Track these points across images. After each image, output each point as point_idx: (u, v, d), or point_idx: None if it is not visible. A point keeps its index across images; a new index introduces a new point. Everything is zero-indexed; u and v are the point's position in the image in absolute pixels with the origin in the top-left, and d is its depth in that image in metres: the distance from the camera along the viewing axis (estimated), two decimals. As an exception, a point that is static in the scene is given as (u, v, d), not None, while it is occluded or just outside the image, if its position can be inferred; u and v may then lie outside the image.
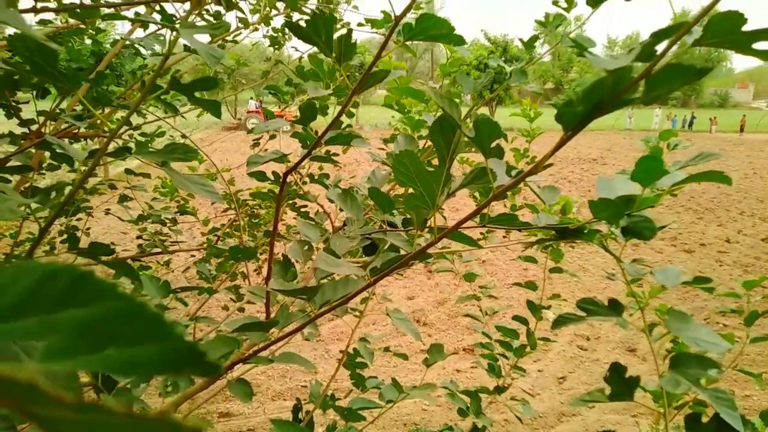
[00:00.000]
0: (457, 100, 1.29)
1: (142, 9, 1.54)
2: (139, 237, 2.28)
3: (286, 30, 2.35)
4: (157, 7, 1.46)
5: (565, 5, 1.08)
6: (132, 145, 1.89)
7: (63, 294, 0.15)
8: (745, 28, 0.47)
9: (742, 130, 28.46)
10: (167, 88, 0.61)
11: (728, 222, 9.61)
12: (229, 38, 2.21)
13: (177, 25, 0.55)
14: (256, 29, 2.24)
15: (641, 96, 0.49)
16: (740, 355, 1.55)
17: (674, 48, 0.51)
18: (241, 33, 2.13)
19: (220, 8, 1.82)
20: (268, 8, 2.03)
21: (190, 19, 1.47)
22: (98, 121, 1.46)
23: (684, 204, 10.63)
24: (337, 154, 1.89)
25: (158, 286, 1.30)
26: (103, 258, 0.71)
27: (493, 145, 0.62)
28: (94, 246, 0.67)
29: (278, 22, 2.73)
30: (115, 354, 0.15)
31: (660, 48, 0.48)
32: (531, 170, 0.56)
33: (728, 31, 0.47)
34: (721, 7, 0.48)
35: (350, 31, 0.76)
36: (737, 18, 0.46)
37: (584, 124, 0.51)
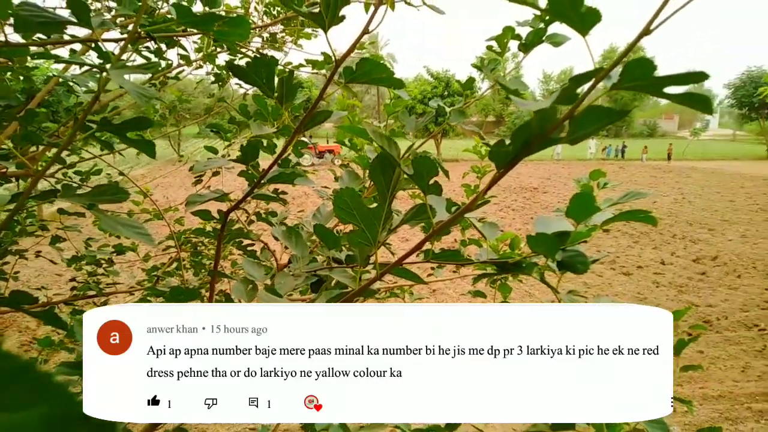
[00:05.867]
0: (407, 134, 1.32)
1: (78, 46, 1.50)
2: (72, 280, 2.16)
3: (230, 67, 2.33)
4: (94, 45, 1.42)
5: (498, 50, 1.14)
6: (70, 184, 1.81)
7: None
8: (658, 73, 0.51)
9: (669, 158, 30.31)
10: (96, 129, 0.59)
11: (662, 245, 10.15)
12: (171, 74, 2.17)
13: (107, 66, 0.54)
14: (200, 66, 2.21)
15: (566, 136, 0.51)
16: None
17: (599, 89, 0.54)
18: (183, 70, 2.10)
19: (162, 45, 1.80)
20: (213, 46, 2.02)
21: (126, 56, 1.44)
22: (28, 160, 1.39)
23: (621, 229, 11.16)
24: (285, 192, 1.87)
25: (92, 333, 1.23)
26: (27, 306, 0.66)
27: (431, 182, 0.64)
28: (16, 295, 0.62)
29: (223, 58, 2.72)
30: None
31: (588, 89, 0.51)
32: (467, 207, 0.57)
33: (642, 76, 0.51)
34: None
35: (291, 72, 0.77)
36: (649, 65, 0.50)
37: (515, 162, 0.53)
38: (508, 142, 0.52)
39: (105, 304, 2.92)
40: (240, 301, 1.10)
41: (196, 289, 1.49)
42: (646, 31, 0.52)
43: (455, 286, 7.31)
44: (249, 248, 1.88)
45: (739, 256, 9.24)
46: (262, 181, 0.87)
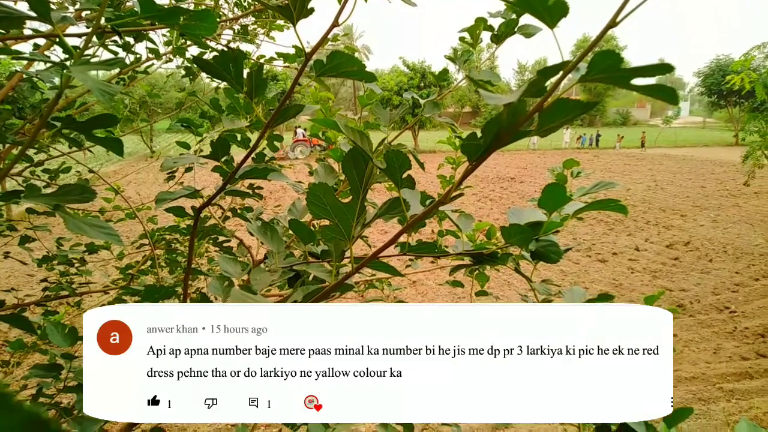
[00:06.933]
0: (383, 126, 1.31)
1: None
2: (43, 280, 2.11)
3: (202, 60, 2.28)
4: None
5: (471, 41, 1.14)
6: (34, 184, 1.76)
7: None
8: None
9: (642, 145, 30.81)
10: (61, 127, 0.57)
11: (636, 231, 10.36)
12: (141, 68, 2.12)
13: (69, 63, 0.52)
14: (170, 60, 2.16)
15: (536, 128, 0.52)
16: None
17: (568, 82, 0.55)
18: (153, 64, 2.05)
19: (130, 39, 1.75)
20: (182, 39, 1.97)
21: (91, 51, 1.40)
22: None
23: (596, 216, 11.34)
24: (261, 187, 1.85)
25: (64, 334, 1.20)
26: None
27: (405, 175, 0.64)
28: (-19, 300, 0.60)
29: (194, 51, 2.67)
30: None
31: (558, 82, 0.51)
32: (441, 200, 0.58)
33: (609, 68, 0.51)
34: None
35: (261, 66, 0.75)
36: (615, 57, 0.50)
37: (486, 155, 0.53)
38: (479, 135, 0.52)
39: (78, 304, 2.86)
40: (217, 299, 1.09)
41: (171, 287, 1.47)
42: (613, 23, 0.52)
43: (435, 277, 7.35)
44: (225, 244, 1.86)
45: (711, 240, 9.48)
46: (235, 177, 0.86)
